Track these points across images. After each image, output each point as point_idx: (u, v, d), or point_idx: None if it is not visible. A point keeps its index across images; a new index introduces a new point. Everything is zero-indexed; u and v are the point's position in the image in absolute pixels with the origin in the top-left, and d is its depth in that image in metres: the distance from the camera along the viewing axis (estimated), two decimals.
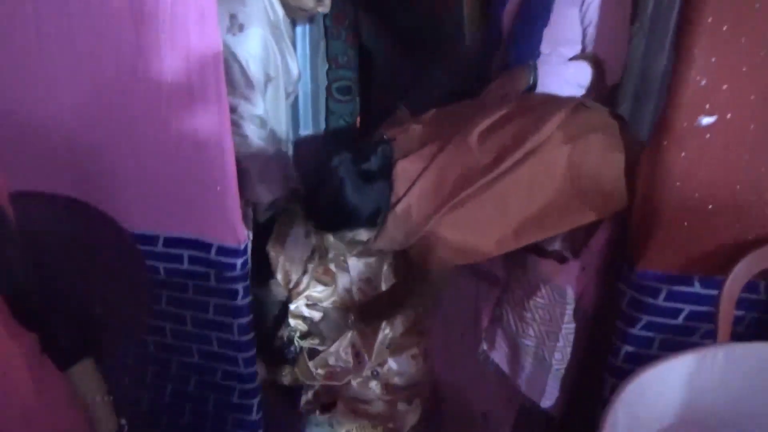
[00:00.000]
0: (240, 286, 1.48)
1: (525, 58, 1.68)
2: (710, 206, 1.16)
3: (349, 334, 1.69)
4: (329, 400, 1.79)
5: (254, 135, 1.51)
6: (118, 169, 1.36)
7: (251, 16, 1.45)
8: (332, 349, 1.68)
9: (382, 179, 1.33)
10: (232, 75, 1.46)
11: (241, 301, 1.50)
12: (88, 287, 1.34)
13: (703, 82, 1.09)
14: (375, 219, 1.36)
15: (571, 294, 1.40)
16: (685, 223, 1.18)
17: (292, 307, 1.73)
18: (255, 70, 1.47)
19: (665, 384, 0.81)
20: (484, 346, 1.54)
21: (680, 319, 1.28)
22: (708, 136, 1.12)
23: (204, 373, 1.65)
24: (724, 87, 1.09)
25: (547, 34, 1.66)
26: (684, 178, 1.15)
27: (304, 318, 1.76)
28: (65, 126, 1.33)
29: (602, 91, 1.69)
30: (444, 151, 1.32)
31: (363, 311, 1.65)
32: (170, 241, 1.45)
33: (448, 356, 1.78)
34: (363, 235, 1.45)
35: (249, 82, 1.48)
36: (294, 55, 1.60)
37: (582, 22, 1.65)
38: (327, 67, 1.84)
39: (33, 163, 1.39)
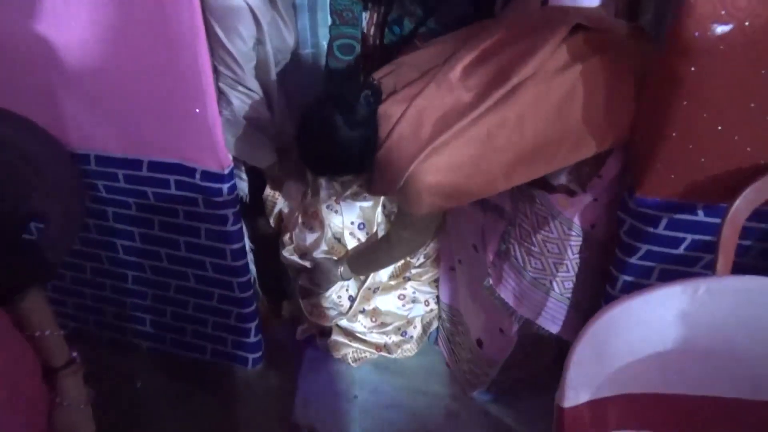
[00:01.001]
0: (229, 212, 1.46)
1: None
2: (719, 127, 1.05)
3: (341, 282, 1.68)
4: (325, 329, 1.80)
5: (239, 103, 1.44)
6: (93, 92, 1.32)
7: None
8: (327, 294, 1.67)
9: (368, 125, 1.26)
10: (215, 42, 1.36)
11: (232, 226, 1.49)
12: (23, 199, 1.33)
13: None
14: (363, 164, 1.31)
15: (578, 225, 1.33)
16: (690, 146, 1.08)
17: (285, 254, 1.70)
18: (240, 41, 1.35)
19: (640, 319, 0.75)
20: (490, 281, 1.51)
21: (681, 249, 1.21)
22: (722, 47, 1.00)
23: (201, 297, 1.67)
24: None
25: None
26: (692, 96, 1.04)
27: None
28: (43, 51, 1.28)
29: None
30: (425, 90, 1.23)
31: (353, 262, 1.62)
32: (155, 166, 1.42)
33: (450, 282, 1.76)
34: (354, 180, 1.42)
35: (230, 53, 1.37)
36: (289, 24, 1.47)
37: None
38: (330, 22, 1.74)
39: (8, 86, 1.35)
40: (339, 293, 1.69)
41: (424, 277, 1.76)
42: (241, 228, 1.53)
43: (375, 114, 1.27)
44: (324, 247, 1.65)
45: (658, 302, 0.76)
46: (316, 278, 1.64)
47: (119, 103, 1.32)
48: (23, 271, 0.90)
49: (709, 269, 1.20)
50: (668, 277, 1.26)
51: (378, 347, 1.78)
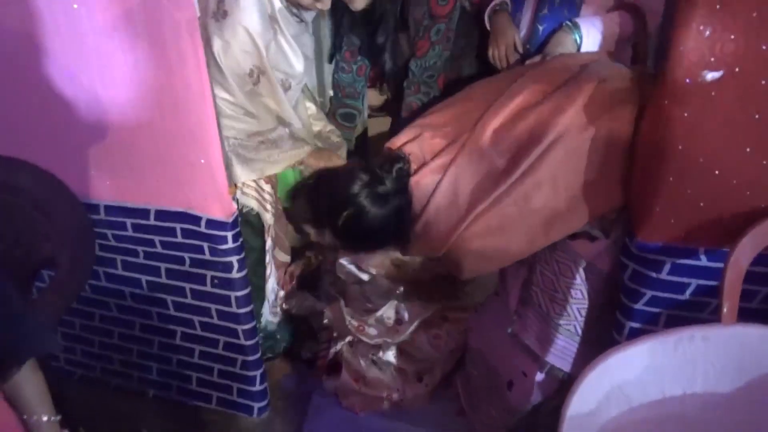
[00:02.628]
0: (234, 259, 1.48)
1: (564, 10, 1.56)
2: (716, 171, 1.05)
3: (395, 303, 1.68)
4: (335, 364, 1.79)
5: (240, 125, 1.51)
6: (104, 144, 1.36)
7: (237, 5, 1.38)
8: (378, 313, 1.68)
9: (401, 198, 1.27)
10: (213, 67, 1.41)
11: (237, 273, 1.50)
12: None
13: (708, 32, 0.97)
14: (400, 238, 1.32)
15: (600, 269, 1.32)
16: (689, 191, 1.07)
17: (343, 261, 1.72)
18: (229, 60, 1.42)
19: (631, 370, 0.74)
20: (515, 328, 1.50)
21: (687, 295, 1.19)
22: (713, 93, 1.00)
23: (207, 345, 1.67)
24: (732, 37, 0.97)
25: None
26: (687, 141, 1.04)
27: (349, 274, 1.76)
28: (57, 105, 1.34)
29: (645, 40, 1.56)
30: (457, 159, 1.25)
31: (414, 288, 1.62)
32: (162, 214, 1.45)
33: (478, 325, 1.74)
34: (391, 253, 1.44)
35: (220, 70, 1.44)
36: (298, 50, 1.53)
37: None
38: (332, 94, 1.83)
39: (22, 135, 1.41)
40: (388, 313, 1.67)
41: (461, 324, 1.75)
42: (246, 275, 1.54)
43: (407, 186, 1.28)
44: (385, 262, 1.65)
45: (651, 351, 0.74)
46: (370, 292, 1.63)
47: (128, 155, 1.37)
48: (9, 343, 0.80)
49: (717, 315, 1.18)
50: (676, 323, 1.23)
51: (389, 397, 1.75)
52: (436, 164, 1.28)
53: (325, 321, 1.78)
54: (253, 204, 1.63)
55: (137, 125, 1.31)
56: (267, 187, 1.67)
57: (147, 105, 1.28)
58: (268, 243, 1.72)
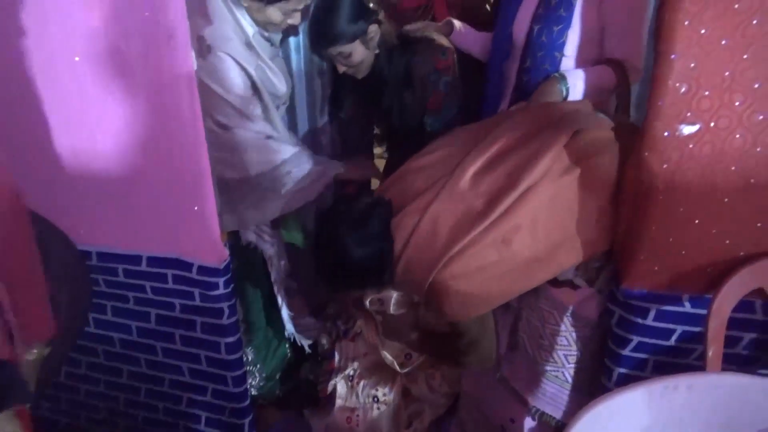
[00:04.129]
0: (225, 305, 1.48)
1: (547, 62, 1.63)
2: (696, 221, 1.08)
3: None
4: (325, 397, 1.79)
5: (251, 159, 1.54)
6: (98, 190, 1.38)
7: (218, 37, 1.43)
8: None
9: (383, 240, 1.29)
10: (215, 100, 1.46)
11: (227, 319, 1.50)
12: None
13: (683, 89, 1.02)
14: (381, 279, 1.33)
15: (586, 317, 1.34)
16: (671, 239, 1.11)
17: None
18: (236, 92, 1.47)
19: (621, 418, 0.75)
20: (504, 372, 1.50)
21: (673, 340, 1.21)
22: (691, 145, 1.05)
23: (195, 392, 1.65)
24: (706, 93, 1.02)
25: (569, 36, 1.61)
26: (667, 191, 1.08)
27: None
28: (52, 152, 1.36)
29: (627, 92, 1.62)
30: (436, 200, 1.27)
31: (425, 340, 1.62)
32: (153, 261, 1.46)
33: (470, 369, 1.74)
34: (373, 293, 1.44)
35: (232, 106, 1.48)
36: (278, 71, 1.59)
37: (601, 21, 1.59)
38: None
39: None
40: (399, 354, 1.69)
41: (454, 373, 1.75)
42: (237, 321, 1.54)
43: (389, 228, 1.30)
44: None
45: (638, 400, 0.75)
46: (386, 330, 1.64)
47: (124, 202, 1.38)
48: None
49: (703, 361, 1.19)
50: (664, 369, 1.25)
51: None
52: (416, 205, 1.29)
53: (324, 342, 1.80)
54: (251, 237, 1.64)
55: (133, 173, 1.33)
56: (266, 228, 1.69)
57: (143, 153, 1.30)
58: (273, 275, 1.71)
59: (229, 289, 1.47)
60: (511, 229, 1.21)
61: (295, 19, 1.52)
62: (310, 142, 1.85)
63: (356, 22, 1.54)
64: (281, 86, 1.61)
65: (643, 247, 1.13)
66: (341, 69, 1.62)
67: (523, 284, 1.27)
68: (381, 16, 1.64)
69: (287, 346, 1.89)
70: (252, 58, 1.49)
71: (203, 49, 1.43)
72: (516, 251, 1.22)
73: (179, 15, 1.17)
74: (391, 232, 1.29)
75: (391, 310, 1.68)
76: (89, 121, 1.31)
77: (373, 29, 1.59)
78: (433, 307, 1.31)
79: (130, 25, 1.20)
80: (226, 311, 1.49)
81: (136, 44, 1.22)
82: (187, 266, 1.43)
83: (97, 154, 1.35)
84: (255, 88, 1.53)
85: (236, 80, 1.46)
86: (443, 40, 1.74)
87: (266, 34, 1.55)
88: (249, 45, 1.49)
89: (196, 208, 1.33)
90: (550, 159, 1.21)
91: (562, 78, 1.56)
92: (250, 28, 1.49)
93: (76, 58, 1.25)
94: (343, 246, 1.27)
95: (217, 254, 1.40)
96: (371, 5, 1.60)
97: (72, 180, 1.39)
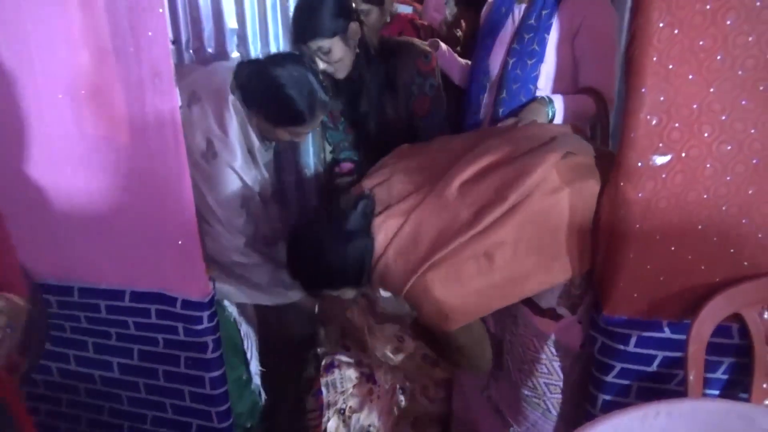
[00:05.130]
0: (209, 339, 1.47)
1: (522, 94, 1.67)
2: (672, 248, 1.11)
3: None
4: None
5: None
6: (82, 226, 1.38)
7: (226, 147, 1.48)
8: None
9: (364, 236, 1.28)
10: (203, 206, 1.50)
11: (212, 354, 1.49)
12: None
13: (654, 121, 1.06)
14: (360, 278, 1.31)
15: (567, 347, 1.35)
16: (648, 266, 1.13)
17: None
18: (225, 206, 1.52)
19: None
20: (491, 392, 1.50)
21: (655, 366, 1.22)
22: (664, 175, 1.09)
23: (178, 429, 1.62)
24: (676, 125, 1.06)
25: (543, 69, 1.66)
26: (643, 219, 1.11)
27: None
28: (33, 189, 1.36)
29: (606, 122, 1.67)
30: (422, 205, 1.28)
31: (421, 333, 1.59)
32: (137, 296, 1.45)
33: (460, 389, 1.73)
34: (349, 293, 1.40)
35: (218, 219, 1.53)
36: (265, 173, 1.63)
37: (573, 56, 1.65)
38: (330, 149, 1.91)
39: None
40: (391, 338, 1.67)
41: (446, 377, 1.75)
42: (221, 355, 1.52)
43: (370, 225, 1.29)
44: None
45: (619, 428, 0.77)
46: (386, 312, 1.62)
47: (108, 238, 1.38)
48: None
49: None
50: (647, 394, 1.26)
51: None
52: (400, 208, 1.29)
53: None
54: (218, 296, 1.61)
55: (118, 209, 1.33)
56: None
57: (128, 189, 1.31)
58: (243, 329, 1.71)
59: (214, 323, 1.46)
60: (495, 244, 1.21)
61: (301, 138, 1.60)
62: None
63: (338, 18, 1.58)
64: (269, 187, 1.67)
65: (622, 275, 1.16)
66: (321, 66, 1.63)
67: (501, 300, 1.27)
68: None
69: (258, 393, 1.85)
70: (251, 167, 1.55)
71: (209, 153, 1.48)
72: (497, 267, 1.21)
73: (164, 54, 1.19)
74: (372, 230, 1.28)
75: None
76: (72, 158, 1.31)
77: (354, 27, 1.63)
78: (414, 308, 1.30)
79: (114, 64, 1.22)
80: (211, 345, 1.47)
81: (121, 82, 1.23)
82: (171, 301, 1.42)
83: (81, 190, 1.35)
84: (245, 197, 1.57)
85: (229, 192, 1.51)
86: (424, 45, 1.77)
87: (267, 143, 1.62)
88: (252, 153, 1.55)
89: (180, 242, 1.33)
90: (538, 177, 1.22)
91: (550, 101, 1.60)
92: (256, 141, 1.54)
93: (60, 96, 1.26)
94: (320, 240, 1.27)
95: (202, 288, 1.40)
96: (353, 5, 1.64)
97: (55, 217, 1.38)
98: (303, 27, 1.60)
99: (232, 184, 1.51)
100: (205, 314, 1.43)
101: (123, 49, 1.19)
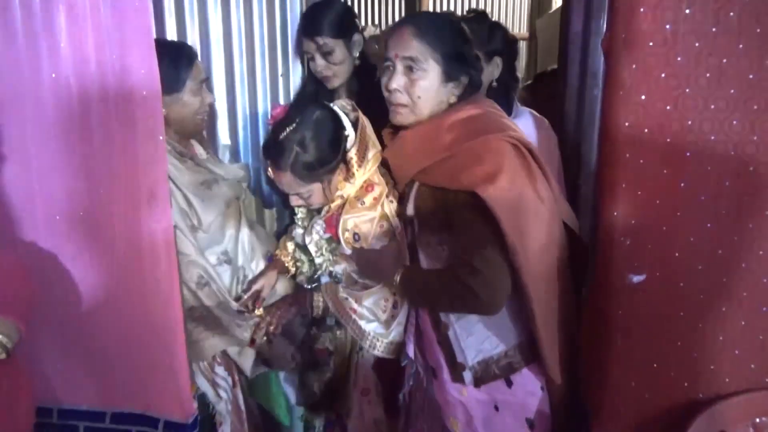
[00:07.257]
0: None
1: None
2: (654, 365, 1.14)
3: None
4: None
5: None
6: (62, 349, 1.36)
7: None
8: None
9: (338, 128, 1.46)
10: None
11: None
12: None
13: (628, 242, 1.12)
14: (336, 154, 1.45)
15: None
16: (633, 383, 1.15)
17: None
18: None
19: None
20: None
21: None
22: (641, 292, 1.13)
23: None
24: (649, 246, 1.12)
25: None
26: (624, 337, 1.15)
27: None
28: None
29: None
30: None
31: (408, 284, 1.44)
32: (118, 417, 1.40)
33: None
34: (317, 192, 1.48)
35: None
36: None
37: None
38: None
39: None
40: (382, 303, 1.50)
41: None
42: None
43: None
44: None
45: None
46: (364, 268, 1.48)
47: (92, 358, 1.36)
48: None
49: None
50: None
51: None
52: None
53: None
54: (203, 387, 1.53)
55: (105, 329, 1.32)
56: (220, 371, 1.57)
57: (117, 308, 1.31)
58: None
59: None
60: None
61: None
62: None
63: (344, 23, 1.71)
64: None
65: (608, 392, 1.17)
66: (320, 66, 1.71)
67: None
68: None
69: None
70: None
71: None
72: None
73: (161, 176, 1.25)
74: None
75: (371, 241, 1.48)
76: (64, 281, 1.32)
77: (358, 38, 1.75)
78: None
79: (109, 187, 1.26)
80: None
81: (116, 205, 1.27)
82: (153, 422, 1.38)
83: (69, 311, 1.34)
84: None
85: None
86: None
87: None
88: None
89: (166, 362, 1.32)
90: None
91: None
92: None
93: (57, 217, 1.30)
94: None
95: (185, 410, 1.36)
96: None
97: (38, 337, 1.36)
98: (312, 22, 1.72)
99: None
100: None
101: (120, 173, 1.24)
